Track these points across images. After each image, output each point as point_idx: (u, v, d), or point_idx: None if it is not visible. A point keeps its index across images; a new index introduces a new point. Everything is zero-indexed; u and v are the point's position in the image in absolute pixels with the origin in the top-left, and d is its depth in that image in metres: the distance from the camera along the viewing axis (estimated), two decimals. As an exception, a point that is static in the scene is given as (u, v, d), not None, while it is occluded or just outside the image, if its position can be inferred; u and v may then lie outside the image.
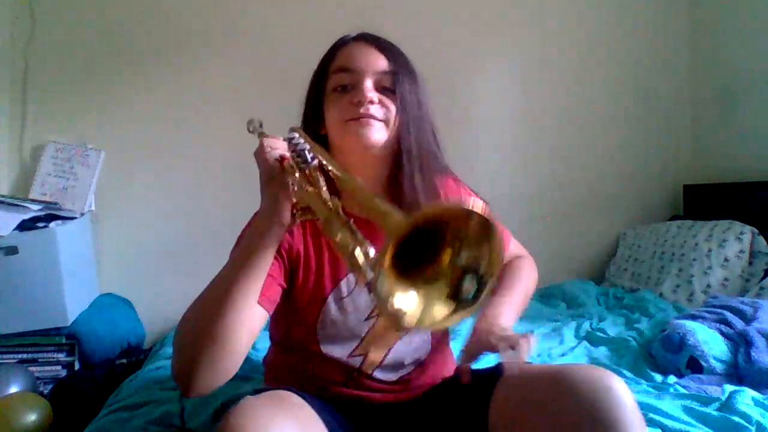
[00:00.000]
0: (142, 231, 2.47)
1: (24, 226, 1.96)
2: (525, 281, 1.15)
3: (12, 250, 1.89)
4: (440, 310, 0.64)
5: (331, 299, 1.01)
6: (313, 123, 1.02)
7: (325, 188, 0.79)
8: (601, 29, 2.89)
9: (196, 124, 2.52)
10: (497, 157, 2.80)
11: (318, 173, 0.80)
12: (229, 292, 0.81)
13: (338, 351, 1.02)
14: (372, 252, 0.66)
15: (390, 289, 0.61)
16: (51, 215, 2.08)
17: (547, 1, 2.86)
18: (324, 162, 0.81)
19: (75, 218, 2.16)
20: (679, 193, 2.88)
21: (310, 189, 0.80)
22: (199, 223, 2.49)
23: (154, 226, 2.48)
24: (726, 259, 2.23)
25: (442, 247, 0.64)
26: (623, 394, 0.79)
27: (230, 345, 0.81)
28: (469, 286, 0.64)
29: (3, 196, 2.11)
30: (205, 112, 2.53)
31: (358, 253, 0.67)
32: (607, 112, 2.89)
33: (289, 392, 0.89)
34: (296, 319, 1.02)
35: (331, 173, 0.80)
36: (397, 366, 1.05)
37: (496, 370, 0.96)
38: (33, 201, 2.16)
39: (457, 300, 0.64)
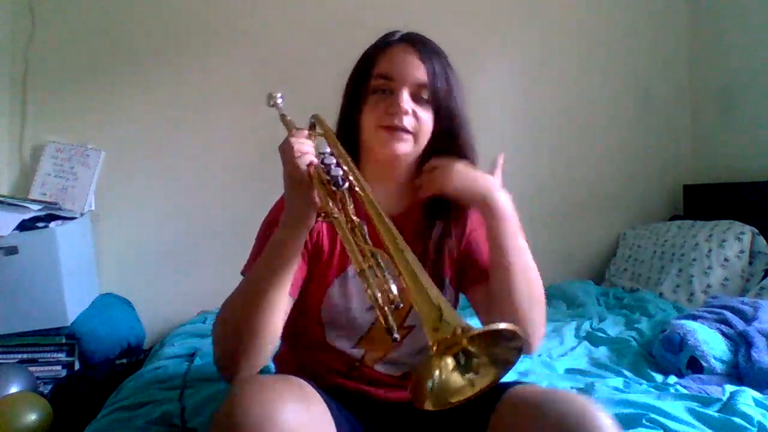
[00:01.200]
0: (142, 231, 2.47)
1: (24, 226, 1.96)
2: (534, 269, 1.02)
3: (12, 250, 1.89)
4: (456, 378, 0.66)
5: (336, 283, 1.03)
6: (353, 114, 1.05)
7: (352, 207, 0.83)
8: (601, 29, 2.89)
9: (196, 124, 2.52)
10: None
11: (347, 195, 0.84)
12: (265, 290, 0.88)
13: (341, 342, 1.04)
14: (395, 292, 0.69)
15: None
16: (51, 215, 2.08)
17: (547, 2, 2.86)
18: (357, 189, 0.84)
19: (75, 218, 2.16)
20: (679, 193, 2.88)
21: (336, 213, 0.82)
22: (199, 223, 2.49)
23: (154, 226, 2.48)
24: (726, 259, 2.23)
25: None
26: (603, 418, 0.79)
27: (269, 334, 0.89)
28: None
29: (3, 196, 2.11)
30: (205, 112, 2.53)
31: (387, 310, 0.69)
32: (607, 112, 2.89)
33: (296, 378, 0.89)
34: (303, 305, 1.03)
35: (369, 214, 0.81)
36: (399, 362, 1.06)
37: (499, 387, 0.94)
38: (33, 201, 2.16)
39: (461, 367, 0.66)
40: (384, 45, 1.05)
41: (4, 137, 2.36)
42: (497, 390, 0.91)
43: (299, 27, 2.59)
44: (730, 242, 2.25)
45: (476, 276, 1.06)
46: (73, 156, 2.36)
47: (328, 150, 0.88)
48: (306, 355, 1.07)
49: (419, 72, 1.00)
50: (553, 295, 2.52)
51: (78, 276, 2.09)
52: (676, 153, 2.95)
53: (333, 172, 0.83)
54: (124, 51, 2.48)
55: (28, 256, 1.90)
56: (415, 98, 1.00)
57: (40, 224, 1.99)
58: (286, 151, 0.88)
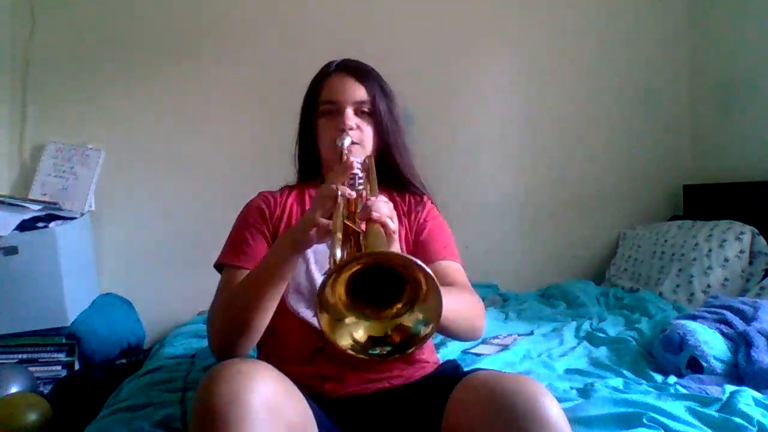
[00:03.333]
0: (142, 231, 2.47)
1: (24, 226, 1.96)
2: (466, 302, 1.10)
3: (12, 250, 1.89)
4: (350, 338, 0.79)
5: None
6: (308, 136, 1.26)
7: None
8: (601, 29, 2.89)
9: (197, 124, 2.53)
10: (497, 157, 2.80)
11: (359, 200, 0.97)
12: (264, 292, 1.00)
13: (304, 309, 1.12)
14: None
15: (337, 294, 0.78)
16: (51, 215, 2.08)
17: (547, 2, 2.86)
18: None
19: (75, 218, 2.16)
20: (679, 193, 2.88)
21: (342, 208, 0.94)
22: (199, 223, 2.49)
23: (154, 226, 2.48)
24: (726, 259, 2.23)
25: (396, 301, 0.80)
26: (550, 405, 0.84)
27: (262, 327, 1.03)
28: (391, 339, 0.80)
29: (3, 196, 2.11)
30: (205, 112, 2.53)
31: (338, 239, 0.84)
32: (606, 111, 2.89)
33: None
34: None
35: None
36: None
37: (458, 375, 1.00)
38: (33, 201, 2.16)
39: (370, 347, 0.80)
40: (324, 76, 1.24)
41: (4, 137, 2.36)
42: (456, 376, 0.99)
43: (300, 28, 2.59)
44: (730, 242, 2.25)
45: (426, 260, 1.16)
46: (73, 156, 2.36)
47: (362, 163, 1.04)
48: (274, 339, 1.11)
49: (357, 91, 1.20)
50: (552, 294, 2.52)
51: (78, 276, 2.09)
52: (676, 153, 2.94)
53: (359, 180, 1.00)
54: (125, 51, 2.48)
55: (28, 256, 1.90)
56: (357, 113, 1.20)
57: (40, 224, 1.99)
58: (321, 198, 0.96)
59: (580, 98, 2.86)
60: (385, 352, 0.80)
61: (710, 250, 2.28)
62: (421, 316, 0.78)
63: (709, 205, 2.65)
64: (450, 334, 1.12)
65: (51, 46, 2.41)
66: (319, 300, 0.76)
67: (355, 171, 1.01)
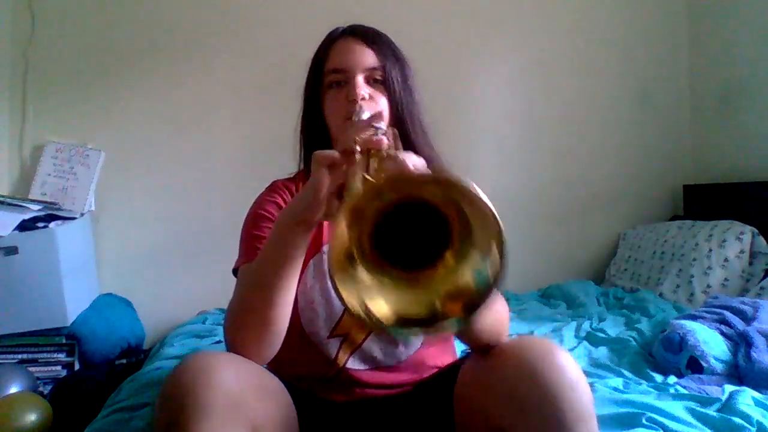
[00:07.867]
0: (142, 231, 2.47)
1: (24, 226, 1.96)
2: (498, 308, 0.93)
3: (12, 250, 1.89)
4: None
5: (311, 263, 1.06)
6: (314, 115, 1.10)
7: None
8: (601, 29, 2.89)
9: (196, 124, 2.53)
10: (497, 158, 2.80)
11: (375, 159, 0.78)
12: (272, 282, 0.85)
13: (317, 329, 1.04)
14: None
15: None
16: (51, 215, 2.08)
17: (547, 2, 2.86)
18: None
19: (75, 218, 2.16)
20: (679, 193, 2.88)
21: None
22: (199, 223, 2.49)
23: (154, 226, 2.48)
24: (726, 260, 2.23)
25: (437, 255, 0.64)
26: (564, 359, 0.81)
27: (279, 323, 0.88)
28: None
29: (3, 196, 2.11)
30: (205, 112, 2.53)
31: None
32: (607, 112, 2.89)
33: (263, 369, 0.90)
34: None
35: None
36: (370, 356, 1.05)
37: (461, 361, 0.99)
38: (33, 201, 2.16)
39: (427, 319, 0.63)
40: (329, 43, 1.11)
41: (4, 137, 2.36)
42: (455, 368, 0.97)
43: (298, 26, 2.58)
44: (730, 242, 2.25)
45: None
46: (73, 156, 2.36)
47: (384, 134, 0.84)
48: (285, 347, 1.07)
49: (367, 57, 1.05)
50: (552, 294, 2.52)
51: (78, 276, 2.09)
52: (676, 153, 2.94)
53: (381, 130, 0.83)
54: (125, 51, 2.48)
55: (28, 256, 1.90)
56: (369, 81, 1.05)
57: (40, 224, 1.99)
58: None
59: (580, 98, 2.86)
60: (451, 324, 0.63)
61: (710, 251, 2.28)
62: (479, 256, 0.60)
63: (709, 205, 2.65)
64: (473, 337, 0.90)
65: (51, 46, 2.40)
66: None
67: (378, 125, 0.85)
